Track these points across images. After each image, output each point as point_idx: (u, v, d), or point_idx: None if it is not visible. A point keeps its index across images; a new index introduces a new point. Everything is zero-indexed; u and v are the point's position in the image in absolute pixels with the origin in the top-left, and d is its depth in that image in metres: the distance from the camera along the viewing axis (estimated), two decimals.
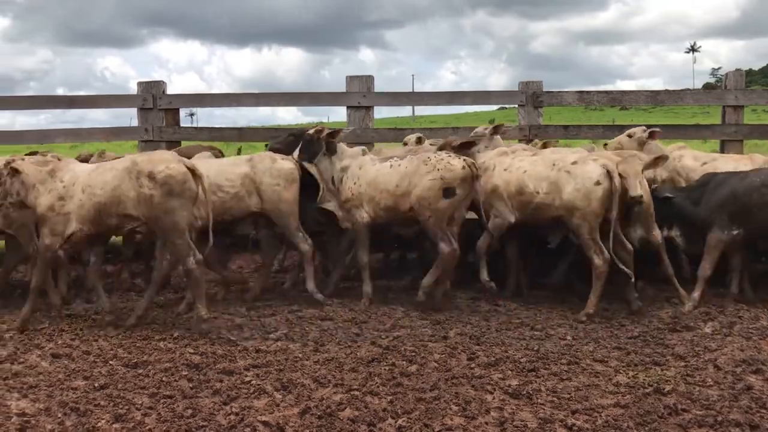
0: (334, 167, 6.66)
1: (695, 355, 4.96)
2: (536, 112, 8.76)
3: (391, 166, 6.39)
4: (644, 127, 7.25)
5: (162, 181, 5.36)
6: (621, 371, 4.66)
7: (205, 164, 6.32)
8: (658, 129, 7.26)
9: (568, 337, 5.42)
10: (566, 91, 9.10)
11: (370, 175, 6.45)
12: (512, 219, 6.24)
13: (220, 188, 6.31)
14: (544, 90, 8.82)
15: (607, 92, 9.29)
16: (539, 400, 4.18)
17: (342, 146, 6.77)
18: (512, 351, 5.07)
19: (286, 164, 6.52)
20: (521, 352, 5.04)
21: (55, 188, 5.64)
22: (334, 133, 6.78)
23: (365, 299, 6.38)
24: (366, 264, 6.46)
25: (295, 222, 6.47)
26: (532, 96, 8.73)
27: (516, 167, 6.26)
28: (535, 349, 5.11)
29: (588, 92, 9.12)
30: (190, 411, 4.01)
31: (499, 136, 7.17)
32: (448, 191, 6.03)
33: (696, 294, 6.18)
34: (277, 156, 6.61)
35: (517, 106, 8.96)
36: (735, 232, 6.13)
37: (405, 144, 8.35)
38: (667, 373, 4.60)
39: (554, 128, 9.26)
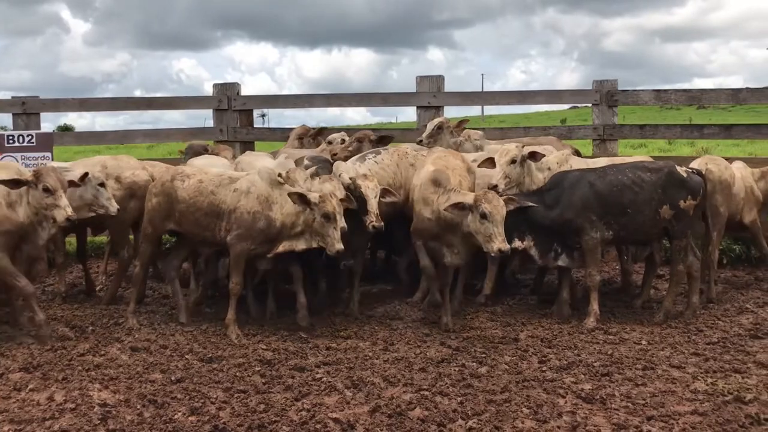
0: None
1: None
2: (611, 111, 8.56)
3: None
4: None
5: None
6: (699, 378, 4.52)
7: None
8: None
9: (643, 342, 5.28)
10: (642, 90, 8.85)
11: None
12: None
13: None
14: (618, 89, 8.62)
15: (685, 91, 8.97)
16: (613, 406, 4.09)
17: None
18: (585, 355, 4.98)
19: None
20: (594, 356, 4.94)
21: None
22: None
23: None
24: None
25: None
26: (607, 95, 8.54)
27: None
28: (608, 353, 5.00)
29: (665, 91, 8.83)
30: (263, 406, 4.09)
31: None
32: None
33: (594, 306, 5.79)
34: None
35: (590, 105, 8.79)
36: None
37: (329, 143, 7.92)
38: (748, 381, 4.43)
39: (629, 128, 9.02)
